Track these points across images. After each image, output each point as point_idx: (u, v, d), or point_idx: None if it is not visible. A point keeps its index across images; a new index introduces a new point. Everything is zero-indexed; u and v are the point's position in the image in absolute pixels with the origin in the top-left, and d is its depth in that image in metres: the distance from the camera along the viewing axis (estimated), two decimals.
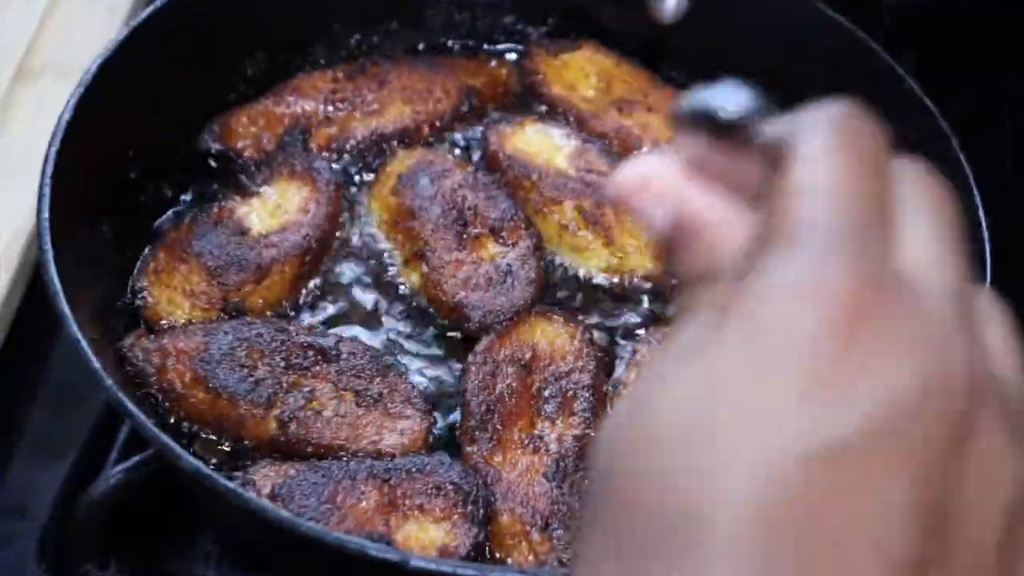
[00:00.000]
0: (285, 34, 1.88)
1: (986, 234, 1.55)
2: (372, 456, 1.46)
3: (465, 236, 1.68)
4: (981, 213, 1.57)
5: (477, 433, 1.49)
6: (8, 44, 1.91)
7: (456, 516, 1.39)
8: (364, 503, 1.40)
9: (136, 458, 1.40)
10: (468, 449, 1.48)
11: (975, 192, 1.59)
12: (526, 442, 1.48)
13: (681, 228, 0.65)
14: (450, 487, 1.41)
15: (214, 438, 1.49)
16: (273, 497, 1.39)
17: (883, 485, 0.53)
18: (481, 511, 1.40)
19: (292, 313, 1.64)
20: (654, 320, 1.69)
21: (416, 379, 1.58)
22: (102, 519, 1.45)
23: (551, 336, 1.58)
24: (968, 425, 0.54)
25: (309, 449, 1.47)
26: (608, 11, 1.99)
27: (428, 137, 1.86)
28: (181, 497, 1.45)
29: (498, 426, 1.49)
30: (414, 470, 1.42)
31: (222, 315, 1.60)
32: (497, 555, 1.41)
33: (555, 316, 1.62)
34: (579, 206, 1.72)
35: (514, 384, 1.53)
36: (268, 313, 1.62)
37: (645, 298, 1.71)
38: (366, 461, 1.44)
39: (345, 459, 1.44)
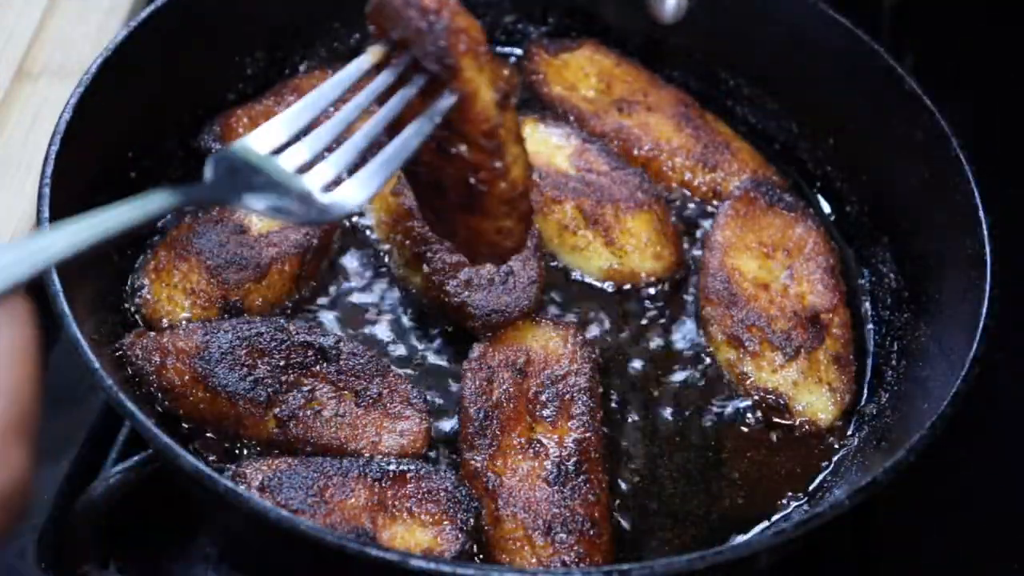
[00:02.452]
0: (284, 33, 1.88)
1: (986, 234, 1.55)
2: (370, 456, 1.46)
3: None
4: (981, 213, 1.58)
5: (476, 439, 1.48)
6: (8, 44, 1.91)
7: (446, 523, 1.39)
8: (353, 500, 1.40)
9: (136, 458, 1.40)
10: (468, 455, 1.48)
11: (975, 192, 1.59)
12: (526, 447, 1.48)
13: None
14: (442, 494, 1.41)
15: (213, 437, 1.49)
16: (262, 489, 1.39)
17: None
18: (471, 520, 1.40)
19: (292, 312, 1.64)
20: (653, 319, 1.70)
21: (416, 379, 1.58)
22: (101, 519, 1.44)
23: (544, 340, 1.58)
24: None
25: (308, 448, 1.47)
26: (609, 9, 1.99)
27: None
28: (181, 498, 1.45)
29: (497, 432, 1.49)
30: (408, 474, 1.42)
31: (222, 314, 1.60)
32: (500, 559, 1.41)
33: (545, 320, 1.62)
34: (579, 206, 1.72)
35: (511, 389, 1.53)
36: (268, 312, 1.62)
37: (644, 297, 1.72)
38: (360, 460, 1.44)
39: (342, 458, 1.44)
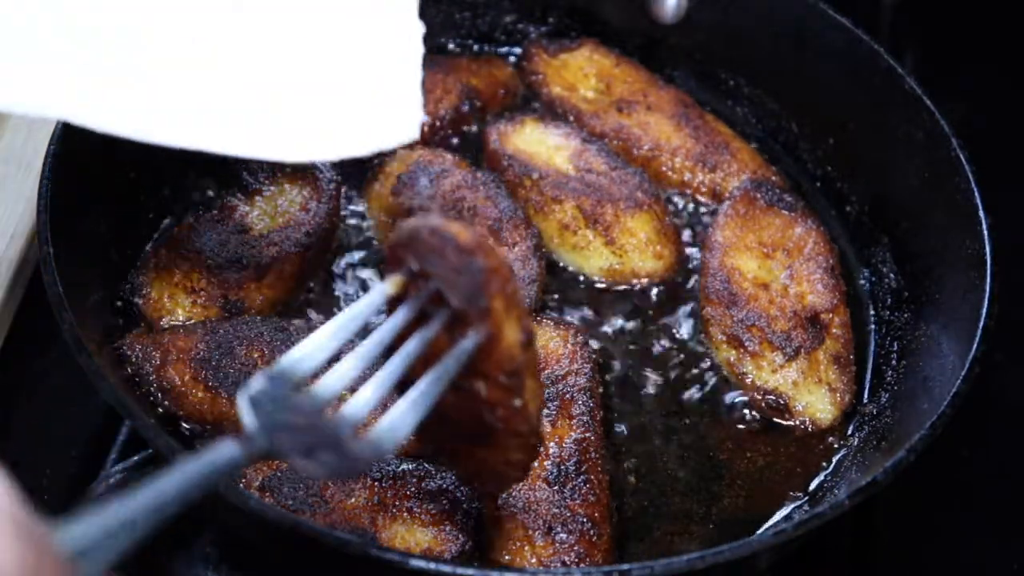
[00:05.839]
0: None
1: (986, 234, 1.55)
2: None
3: None
4: (981, 213, 1.58)
5: None
6: None
7: (446, 522, 1.39)
8: (353, 500, 1.40)
9: (136, 458, 1.40)
10: None
11: (975, 192, 1.59)
12: None
13: None
14: (442, 494, 1.41)
15: (214, 437, 1.49)
16: (262, 489, 1.39)
17: None
18: (471, 520, 1.40)
19: (292, 312, 1.64)
20: (653, 318, 1.70)
21: None
22: None
23: (544, 340, 1.58)
24: None
25: None
26: (609, 9, 1.99)
27: (428, 136, 1.86)
28: None
29: None
30: (408, 474, 1.42)
31: (222, 314, 1.60)
32: (500, 559, 1.41)
33: (545, 320, 1.62)
34: (579, 206, 1.72)
35: None
36: (268, 312, 1.62)
37: (645, 296, 1.72)
38: None
39: None
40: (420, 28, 1.46)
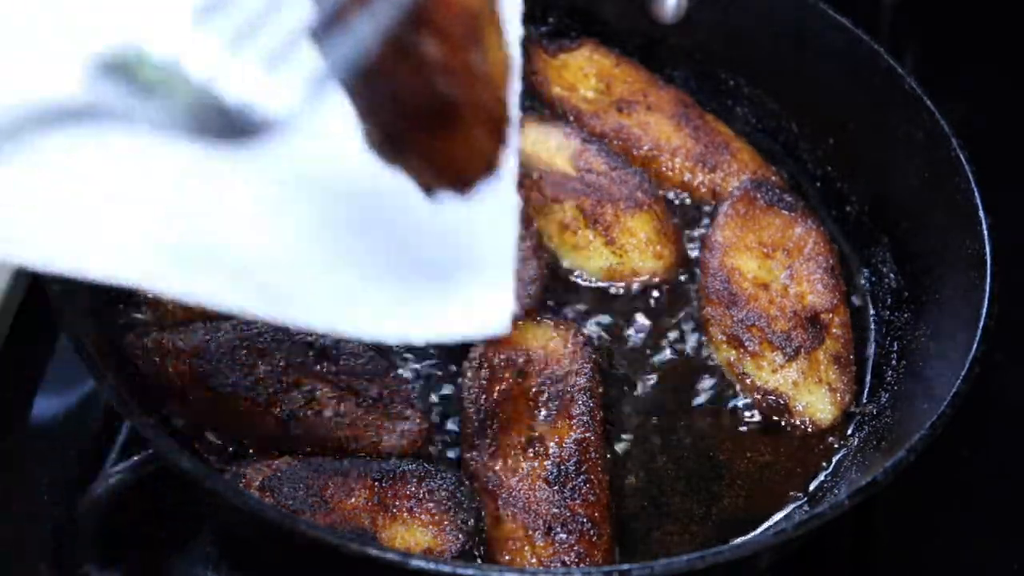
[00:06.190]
0: None
1: (986, 234, 1.56)
2: (370, 456, 1.46)
3: None
4: (981, 213, 1.58)
5: (476, 439, 1.49)
6: None
7: (446, 522, 1.39)
8: (353, 500, 1.40)
9: (136, 458, 1.40)
10: (467, 455, 1.48)
11: (975, 192, 1.60)
12: (526, 447, 1.48)
13: None
14: (442, 494, 1.41)
15: (214, 437, 1.49)
16: (262, 489, 1.39)
17: None
18: (471, 520, 1.40)
19: None
20: (653, 318, 1.70)
21: (416, 379, 1.58)
22: (102, 519, 1.45)
23: (544, 340, 1.58)
24: None
25: (308, 448, 1.47)
26: (609, 9, 1.99)
27: None
28: (181, 498, 1.45)
29: (497, 432, 1.49)
30: (408, 474, 1.42)
31: (222, 314, 1.59)
32: (500, 559, 1.41)
33: (545, 320, 1.62)
34: (579, 206, 1.72)
35: (511, 389, 1.53)
36: None
37: (645, 296, 1.72)
38: (360, 460, 1.44)
39: (342, 458, 1.45)
40: (517, 201, 1.21)
